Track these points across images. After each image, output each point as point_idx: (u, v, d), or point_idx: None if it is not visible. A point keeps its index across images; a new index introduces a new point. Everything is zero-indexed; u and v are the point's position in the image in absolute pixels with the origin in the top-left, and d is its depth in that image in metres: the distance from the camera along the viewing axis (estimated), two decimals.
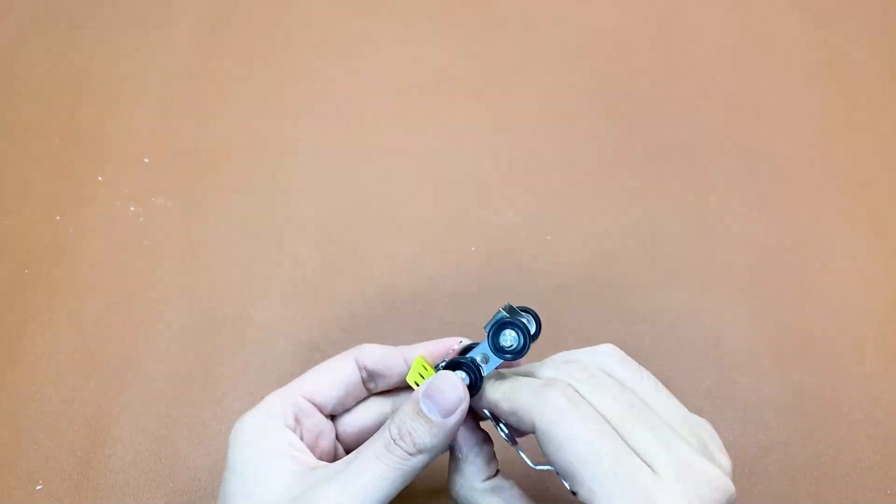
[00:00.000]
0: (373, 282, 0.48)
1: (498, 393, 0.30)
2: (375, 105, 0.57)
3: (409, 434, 0.29)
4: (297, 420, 0.32)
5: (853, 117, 0.56)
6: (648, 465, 0.26)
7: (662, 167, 0.53)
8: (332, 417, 0.35)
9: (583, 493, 0.25)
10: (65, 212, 0.51)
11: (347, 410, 0.35)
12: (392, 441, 0.29)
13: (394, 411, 0.31)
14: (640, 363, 0.31)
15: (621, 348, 0.45)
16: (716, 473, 0.26)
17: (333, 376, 0.33)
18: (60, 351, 0.45)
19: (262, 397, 0.43)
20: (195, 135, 0.55)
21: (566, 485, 0.27)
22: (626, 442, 0.26)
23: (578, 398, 0.27)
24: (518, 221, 0.50)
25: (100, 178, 0.53)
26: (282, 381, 0.43)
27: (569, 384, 0.28)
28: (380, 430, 0.30)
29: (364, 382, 0.34)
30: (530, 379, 0.30)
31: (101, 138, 0.55)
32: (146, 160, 0.53)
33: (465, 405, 0.29)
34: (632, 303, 0.47)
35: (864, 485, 0.41)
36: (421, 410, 0.29)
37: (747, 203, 0.51)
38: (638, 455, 0.26)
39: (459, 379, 0.30)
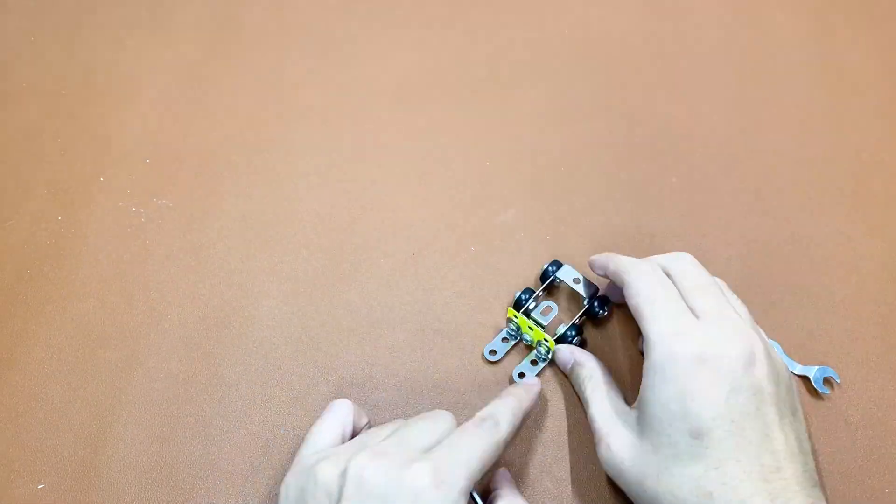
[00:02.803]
0: (373, 281, 0.48)
1: (610, 263, 0.41)
2: (376, 105, 0.57)
3: (492, 414, 0.36)
4: None
5: (852, 116, 0.56)
6: (694, 314, 0.36)
7: (662, 167, 0.53)
8: None
9: (643, 324, 0.37)
10: (66, 212, 0.51)
11: None
12: (481, 419, 0.36)
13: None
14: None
15: (621, 348, 0.45)
16: (748, 330, 0.36)
17: (491, 460, 0.35)
18: (62, 350, 0.45)
19: (264, 398, 0.43)
20: (196, 136, 0.55)
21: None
22: (682, 297, 0.37)
23: (656, 266, 0.40)
24: (518, 221, 0.51)
25: (101, 179, 0.53)
26: (282, 380, 0.44)
27: (653, 259, 0.41)
28: (478, 423, 0.36)
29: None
30: (635, 259, 0.41)
31: (103, 139, 0.55)
32: (147, 161, 0.54)
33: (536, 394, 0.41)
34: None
35: (862, 484, 0.41)
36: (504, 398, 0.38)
37: (746, 203, 0.51)
38: (689, 307, 0.37)
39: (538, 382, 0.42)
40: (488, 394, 0.43)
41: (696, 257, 0.49)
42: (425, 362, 0.45)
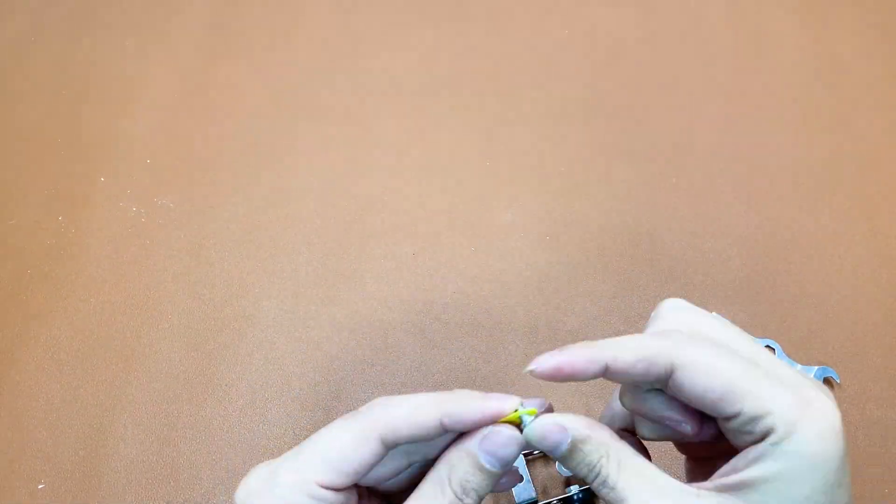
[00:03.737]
0: (373, 281, 0.48)
1: (626, 353, 0.27)
2: (376, 105, 0.57)
3: (475, 491, 0.27)
4: None
5: (851, 116, 0.56)
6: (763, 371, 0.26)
7: (661, 167, 0.53)
8: None
9: (733, 408, 0.26)
10: (67, 212, 0.51)
11: None
12: (458, 499, 0.27)
13: (439, 460, 0.28)
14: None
15: None
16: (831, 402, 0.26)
17: (352, 459, 0.27)
18: (62, 350, 0.45)
19: (264, 398, 0.43)
20: (197, 136, 0.55)
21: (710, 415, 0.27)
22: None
23: (700, 336, 0.27)
24: (518, 221, 0.51)
25: (102, 179, 0.53)
26: (282, 380, 0.44)
27: (678, 329, 0.28)
28: (438, 483, 0.27)
29: (387, 451, 0.28)
30: (643, 335, 0.28)
31: (104, 139, 0.55)
32: (148, 161, 0.54)
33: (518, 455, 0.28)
34: (631, 302, 0.47)
35: (863, 484, 0.41)
36: (482, 466, 0.27)
37: (746, 203, 0.51)
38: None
39: (516, 434, 0.27)
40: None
41: (696, 257, 0.49)
42: (426, 362, 0.45)
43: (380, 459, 0.27)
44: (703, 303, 0.47)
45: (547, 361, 0.27)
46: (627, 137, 0.55)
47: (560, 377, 0.27)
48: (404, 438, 0.27)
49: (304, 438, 0.38)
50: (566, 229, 0.50)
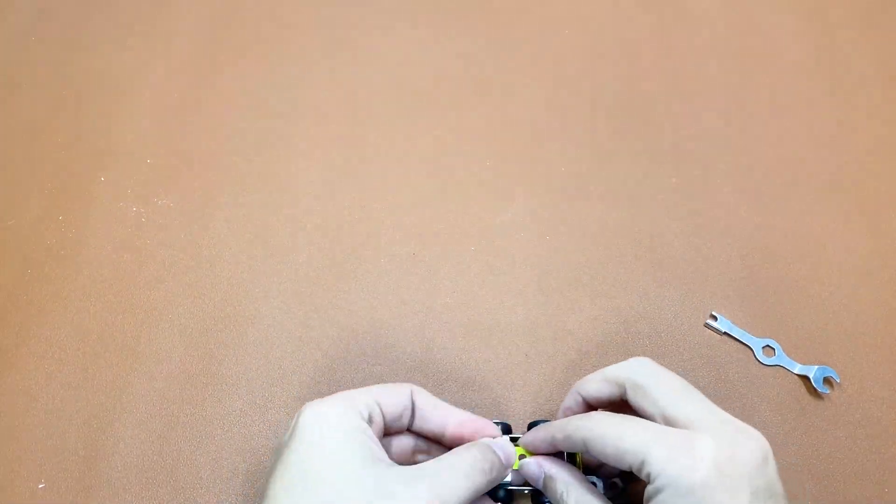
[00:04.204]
0: (372, 282, 0.48)
1: (558, 433, 0.35)
2: (376, 105, 0.57)
3: (493, 464, 0.34)
4: (370, 419, 0.33)
5: (851, 116, 0.56)
6: (690, 430, 0.31)
7: (661, 167, 0.53)
8: None
9: (628, 460, 0.31)
10: (67, 212, 0.51)
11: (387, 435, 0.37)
12: (490, 466, 0.34)
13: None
14: None
15: (621, 348, 0.45)
16: (752, 430, 0.31)
17: (397, 397, 0.35)
18: (63, 350, 0.45)
19: (264, 398, 0.43)
20: (197, 136, 0.55)
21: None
22: (673, 415, 0.32)
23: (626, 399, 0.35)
24: (518, 221, 0.51)
25: (102, 179, 0.53)
26: (282, 380, 0.44)
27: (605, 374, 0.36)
28: (477, 447, 0.34)
29: (405, 416, 0.36)
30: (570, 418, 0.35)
31: (104, 139, 0.55)
32: (149, 161, 0.54)
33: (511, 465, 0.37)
34: (631, 302, 0.47)
35: (863, 484, 0.41)
36: (496, 453, 0.35)
37: (746, 203, 0.51)
38: (682, 424, 0.31)
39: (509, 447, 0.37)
40: (491, 393, 0.43)
41: (696, 257, 0.49)
42: (426, 362, 0.45)
43: (407, 410, 0.35)
44: (703, 303, 0.47)
45: (535, 434, 0.36)
46: (628, 137, 0.55)
47: (542, 447, 0.36)
48: (420, 404, 0.36)
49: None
50: (566, 229, 0.50)
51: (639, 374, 0.34)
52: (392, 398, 0.35)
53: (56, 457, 0.41)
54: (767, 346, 0.45)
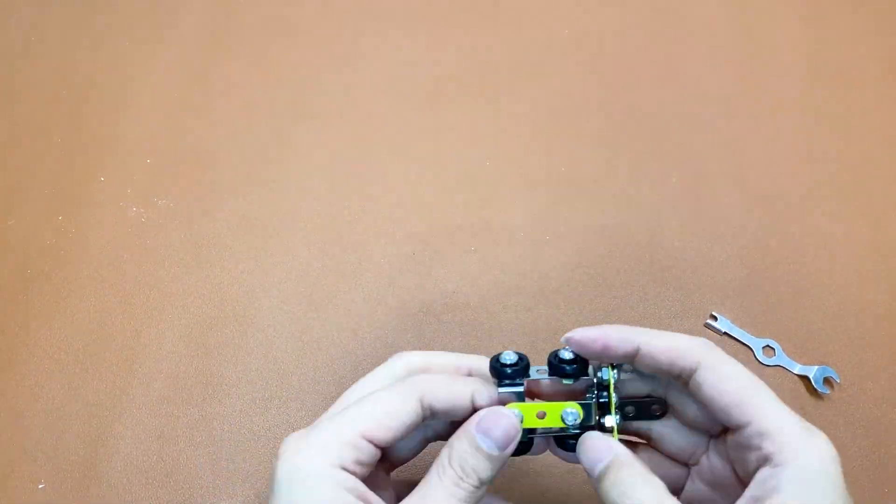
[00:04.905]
0: (373, 281, 0.48)
1: (658, 341, 0.30)
2: (376, 105, 0.57)
3: (474, 471, 0.28)
4: (355, 462, 0.28)
5: (851, 116, 0.56)
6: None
7: (661, 167, 0.53)
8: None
9: (745, 417, 0.28)
10: (67, 212, 0.51)
11: None
12: (460, 479, 0.28)
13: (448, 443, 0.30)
14: None
15: None
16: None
17: (395, 420, 0.29)
18: (62, 350, 0.45)
19: (264, 398, 0.43)
20: (197, 136, 0.55)
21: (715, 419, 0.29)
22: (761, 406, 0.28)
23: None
24: (518, 221, 0.51)
25: (102, 179, 0.53)
26: (282, 380, 0.44)
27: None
28: (440, 466, 0.29)
29: (423, 418, 0.30)
30: (676, 333, 0.31)
31: (104, 139, 0.55)
32: (148, 161, 0.54)
33: (518, 436, 0.30)
34: (631, 302, 0.47)
35: (863, 484, 0.41)
36: (479, 447, 0.29)
37: (746, 203, 0.51)
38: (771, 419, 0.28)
39: (513, 413, 0.30)
40: None
41: (696, 257, 0.49)
42: None
43: (419, 422, 0.29)
44: (703, 303, 0.47)
45: (583, 332, 0.30)
46: (628, 137, 0.55)
47: (593, 349, 0.30)
48: (443, 406, 0.29)
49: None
50: (566, 229, 0.50)
51: (716, 358, 0.29)
52: (391, 420, 0.29)
53: (56, 457, 0.41)
54: (767, 346, 0.45)
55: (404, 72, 0.59)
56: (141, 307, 0.47)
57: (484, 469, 0.28)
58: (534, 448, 0.32)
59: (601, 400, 0.31)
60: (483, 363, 0.32)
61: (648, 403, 0.32)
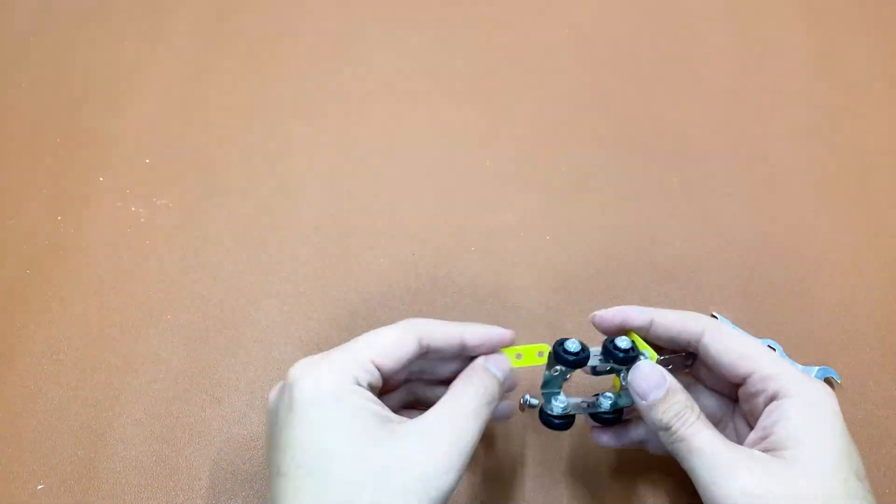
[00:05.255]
0: (373, 281, 0.48)
1: (668, 313, 0.36)
2: (375, 105, 0.57)
3: (487, 387, 0.33)
4: (367, 384, 0.32)
5: (851, 116, 0.56)
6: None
7: (661, 167, 0.53)
8: None
9: (749, 368, 0.33)
10: (66, 212, 0.51)
11: None
12: (480, 390, 0.33)
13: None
14: None
15: None
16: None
17: (398, 351, 0.33)
18: (61, 351, 0.45)
19: (264, 398, 0.43)
20: (196, 136, 0.55)
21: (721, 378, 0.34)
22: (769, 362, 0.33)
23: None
24: (518, 221, 0.51)
25: (101, 179, 0.53)
26: (282, 380, 0.44)
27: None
28: (463, 384, 0.33)
29: (419, 355, 0.34)
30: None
31: (103, 139, 0.55)
32: (147, 161, 0.54)
33: (509, 367, 0.35)
34: (631, 301, 0.47)
35: None
36: (490, 372, 0.34)
37: (746, 203, 0.51)
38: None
39: (506, 356, 0.36)
40: None
41: (696, 258, 0.49)
42: None
43: (415, 357, 0.33)
44: (703, 303, 0.47)
45: (604, 311, 0.36)
46: (628, 137, 0.55)
47: (613, 322, 0.36)
48: (435, 343, 0.34)
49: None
50: (566, 229, 0.50)
51: (719, 324, 0.35)
52: (395, 353, 0.33)
53: (55, 457, 0.41)
54: (767, 346, 0.45)
55: (405, 72, 0.59)
56: (141, 307, 0.47)
57: (492, 385, 0.34)
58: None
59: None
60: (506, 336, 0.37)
61: (678, 358, 0.36)
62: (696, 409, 0.33)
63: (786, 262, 0.49)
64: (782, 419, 0.31)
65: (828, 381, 0.44)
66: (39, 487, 0.40)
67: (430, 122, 0.56)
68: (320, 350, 0.45)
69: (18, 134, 0.55)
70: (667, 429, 0.32)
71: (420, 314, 0.46)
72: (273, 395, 0.33)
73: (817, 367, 0.44)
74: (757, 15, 0.62)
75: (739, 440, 0.34)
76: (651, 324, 0.35)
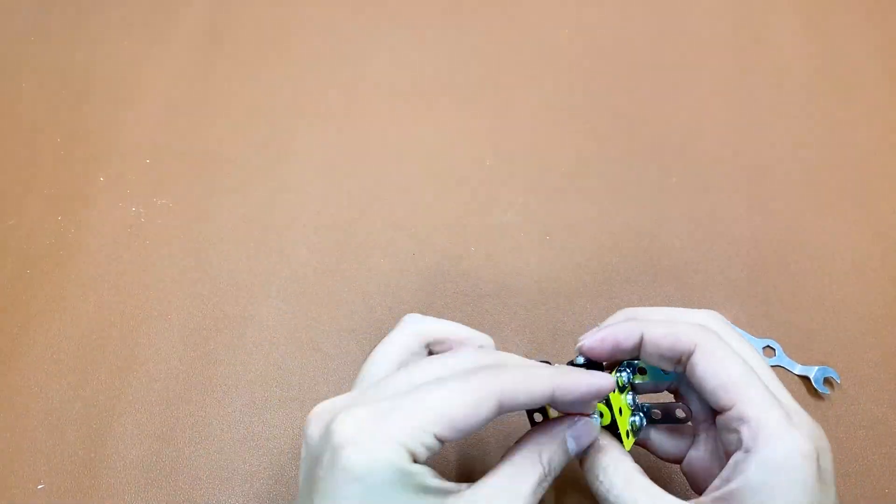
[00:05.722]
0: (372, 282, 0.48)
1: (658, 328, 0.32)
2: (375, 105, 0.57)
3: (555, 469, 0.30)
4: (427, 459, 0.27)
5: (851, 116, 0.56)
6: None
7: (662, 167, 0.53)
8: None
9: (729, 402, 0.29)
10: (66, 212, 0.51)
11: None
12: (546, 475, 0.29)
13: (526, 439, 0.31)
14: None
15: None
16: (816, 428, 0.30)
17: (472, 418, 0.27)
18: (62, 351, 0.45)
19: (264, 398, 0.43)
20: (196, 136, 0.55)
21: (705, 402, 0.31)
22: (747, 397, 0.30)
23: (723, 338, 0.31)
24: (518, 221, 0.51)
25: (101, 179, 0.53)
26: (282, 380, 0.44)
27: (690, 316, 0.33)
28: (528, 458, 0.29)
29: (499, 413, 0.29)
30: (677, 311, 0.33)
31: (103, 139, 0.55)
32: (148, 161, 0.54)
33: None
34: (631, 302, 0.47)
35: (863, 484, 0.41)
36: (566, 449, 0.31)
37: (746, 203, 0.51)
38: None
39: (597, 423, 0.32)
40: None
41: (696, 258, 0.49)
42: None
43: (492, 420, 0.28)
44: (703, 303, 0.47)
45: (591, 337, 0.32)
46: (628, 137, 0.55)
47: (604, 349, 0.32)
48: (519, 407, 0.28)
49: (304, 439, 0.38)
50: (566, 229, 0.50)
51: (713, 341, 0.31)
52: (464, 424, 0.27)
53: (55, 457, 0.41)
54: (767, 346, 0.45)
55: (404, 72, 0.59)
56: (141, 307, 0.47)
57: (563, 465, 0.30)
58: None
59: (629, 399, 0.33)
60: (488, 342, 0.34)
61: (673, 407, 0.33)
62: (628, 467, 0.30)
63: (786, 262, 0.49)
64: (740, 474, 0.28)
65: (828, 381, 0.44)
66: (39, 487, 0.40)
67: (430, 122, 0.56)
68: (319, 350, 0.45)
69: (18, 134, 0.55)
70: (593, 487, 0.31)
71: (419, 314, 0.46)
72: (314, 432, 0.29)
73: (817, 367, 0.44)
74: (757, 15, 0.62)
75: (715, 449, 0.33)
76: (641, 341, 0.32)
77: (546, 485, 0.29)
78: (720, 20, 0.62)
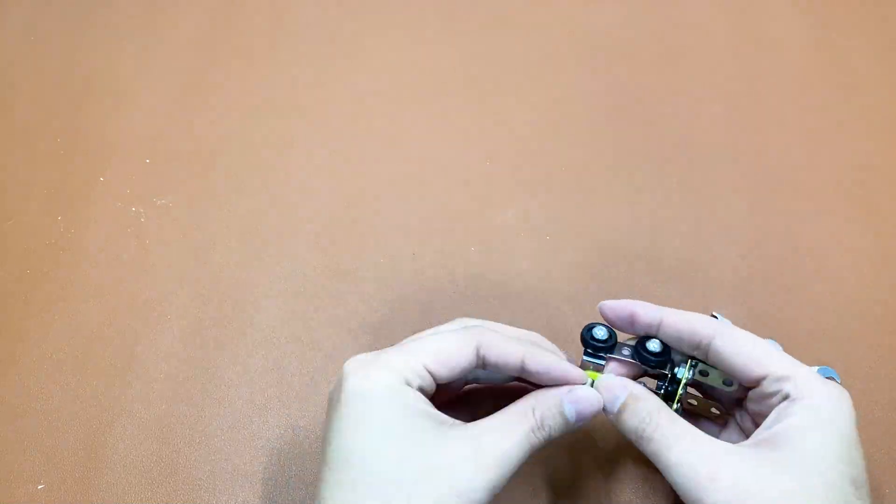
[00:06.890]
0: (372, 281, 0.48)
1: (677, 315, 0.34)
2: (375, 105, 0.57)
3: (550, 428, 0.32)
4: (420, 388, 0.31)
5: (851, 117, 0.56)
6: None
7: (662, 167, 0.53)
8: None
9: (763, 370, 0.32)
10: (66, 212, 0.51)
11: None
12: (537, 428, 0.31)
13: (525, 396, 0.33)
14: None
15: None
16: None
17: (455, 358, 0.32)
18: (62, 351, 0.45)
19: (264, 398, 0.43)
20: (196, 136, 0.55)
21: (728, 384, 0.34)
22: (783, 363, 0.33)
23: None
24: (518, 221, 0.51)
25: (101, 179, 0.53)
26: (282, 380, 0.44)
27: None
28: (523, 410, 0.32)
29: (475, 366, 0.33)
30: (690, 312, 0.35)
31: (103, 139, 0.55)
32: (148, 161, 0.54)
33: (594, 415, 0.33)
34: None
35: None
36: (563, 412, 0.32)
37: (746, 203, 0.51)
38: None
39: (598, 396, 0.33)
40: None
41: (697, 258, 0.49)
42: None
43: (471, 368, 0.32)
44: (703, 303, 0.47)
45: (613, 303, 0.35)
46: (628, 137, 0.55)
47: (622, 316, 0.35)
48: (493, 359, 0.32)
49: (304, 439, 0.39)
50: (566, 229, 0.50)
51: (730, 327, 0.34)
52: (451, 360, 0.32)
53: (55, 457, 0.41)
54: None
55: (404, 72, 0.59)
56: (141, 307, 0.47)
57: (557, 429, 0.32)
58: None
59: (669, 388, 0.35)
60: (538, 339, 0.36)
61: (710, 405, 0.36)
62: (665, 411, 0.32)
63: (786, 263, 0.49)
64: (785, 418, 0.31)
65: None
66: (40, 487, 0.40)
67: (430, 122, 0.56)
68: (319, 350, 0.45)
69: (19, 134, 0.55)
70: (638, 437, 0.32)
71: (419, 315, 0.46)
72: (331, 387, 0.33)
73: (817, 367, 0.44)
74: (757, 16, 0.62)
75: (747, 429, 0.35)
76: (661, 323, 0.35)
77: (540, 437, 0.31)
78: (720, 21, 0.62)
